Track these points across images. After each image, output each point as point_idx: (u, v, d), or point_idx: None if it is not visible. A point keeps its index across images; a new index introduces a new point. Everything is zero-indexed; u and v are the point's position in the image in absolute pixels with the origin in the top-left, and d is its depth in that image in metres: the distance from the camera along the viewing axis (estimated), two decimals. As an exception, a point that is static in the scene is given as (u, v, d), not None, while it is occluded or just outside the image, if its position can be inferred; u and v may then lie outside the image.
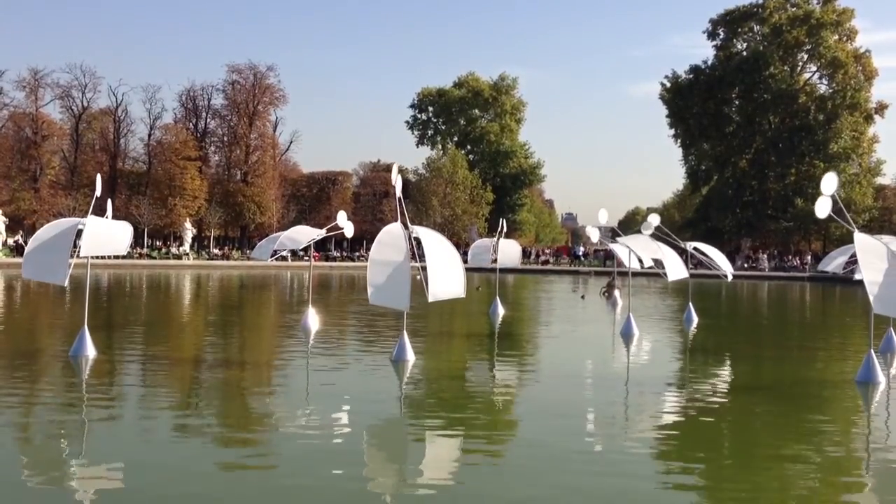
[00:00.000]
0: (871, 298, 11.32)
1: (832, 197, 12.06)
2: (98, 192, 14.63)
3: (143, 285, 37.90)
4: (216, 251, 68.68)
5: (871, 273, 11.61)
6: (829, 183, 12.09)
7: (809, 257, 70.43)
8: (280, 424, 9.40)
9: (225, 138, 78.88)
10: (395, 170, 14.65)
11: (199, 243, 72.41)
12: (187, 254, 62.87)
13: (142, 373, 12.73)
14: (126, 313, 23.19)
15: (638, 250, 22.27)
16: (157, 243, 72.45)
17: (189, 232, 65.66)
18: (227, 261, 62.25)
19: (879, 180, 77.98)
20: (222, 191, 74.18)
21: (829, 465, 8.18)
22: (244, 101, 76.37)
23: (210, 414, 9.92)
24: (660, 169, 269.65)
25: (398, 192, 13.99)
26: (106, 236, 13.47)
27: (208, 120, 78.97)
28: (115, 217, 15.31)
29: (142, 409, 10.04)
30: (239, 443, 8.49)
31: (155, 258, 60.83)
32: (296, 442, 8.44)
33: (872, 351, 12.44)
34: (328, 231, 19.21)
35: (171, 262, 59.26)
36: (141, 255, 60.02)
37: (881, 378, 12.31)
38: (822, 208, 12.09)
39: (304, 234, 19.62)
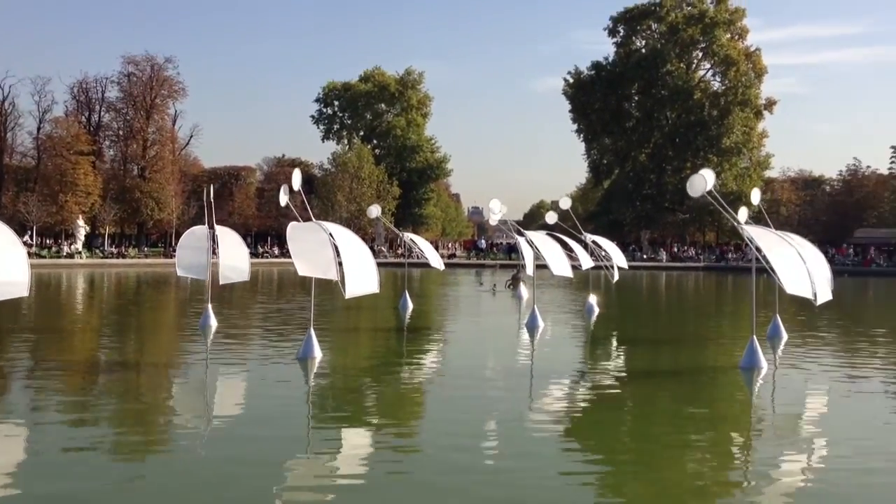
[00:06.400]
0: (782, 281, 12.41)
1: (710, 192, 12.53)
2: None
3: (32, 286, 36.04)
4: (111, 249, 66.07)
5: (776, 257, 12.45)
6: (708, 177, 12.55)
7: (698, 248, 73.58)
8: (178, 427, 9.13)
9: (120, 132, 75.81)
10: (295, 175, 14.23)
11: (93, 241, 69.47)
12: (79, 252, 60.20)
13: (29, 380, 12.10)
14: (13, 316, 21.99)
15: (540, 247, 22.00)
16: (48, 241, 69.08)
17: (81, 229, 62.88)
18: (123, 259, 60.00)
19: (768, 173, 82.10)
20: (118, 186, 71.34)
21: (715, 449, 8.58)
22: (141, 93, 73.58)
23: (104, 421, 9.49)
24: (564, 163, 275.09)
25: (283, 202, 13.72)
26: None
27: (102, 113, 75.78)
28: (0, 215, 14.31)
29: (30, 419, 9.54)
30: (135, 451, 8.19)
31: (44, 257, 57.95)
32: (196, 443, 8.23)
33: (755, 337, 13.12)
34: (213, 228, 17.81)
35: (63, 261, 56.58)
36: (30, 255, 57.06)
37: (764, 363, 12.99)
38: (696, 188, 12.38)
39: (241, 255, 17.80)
